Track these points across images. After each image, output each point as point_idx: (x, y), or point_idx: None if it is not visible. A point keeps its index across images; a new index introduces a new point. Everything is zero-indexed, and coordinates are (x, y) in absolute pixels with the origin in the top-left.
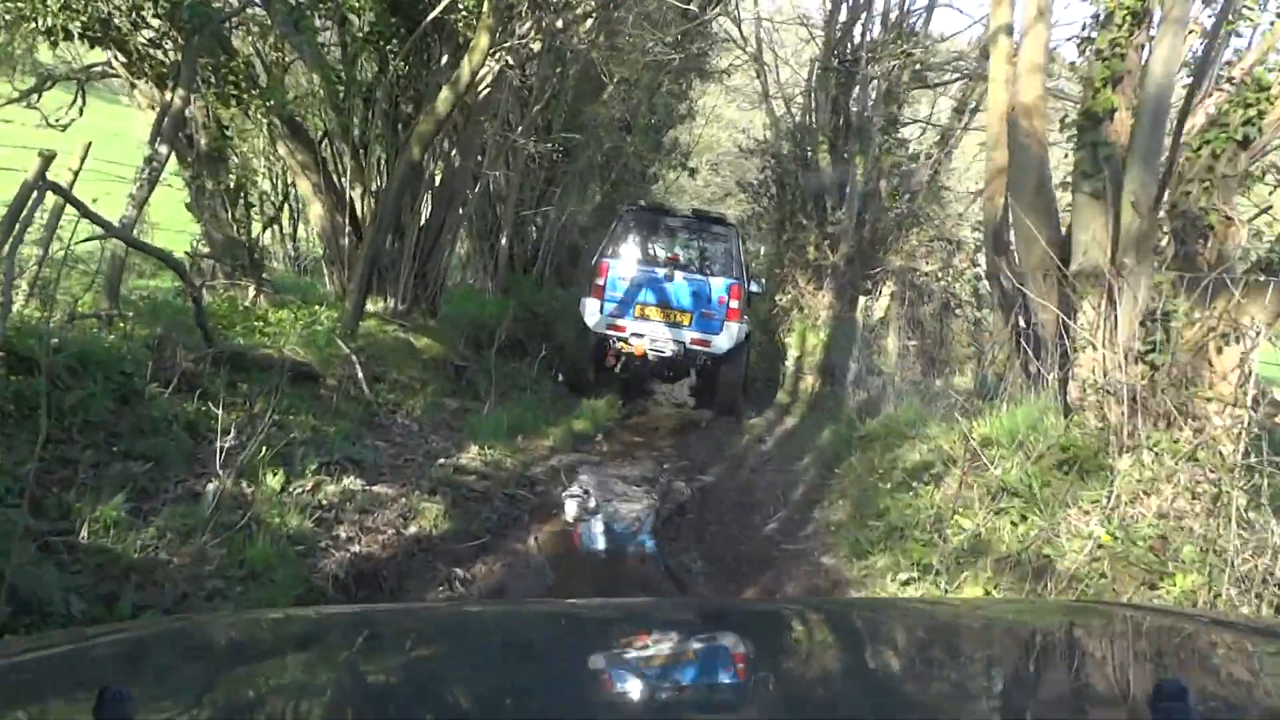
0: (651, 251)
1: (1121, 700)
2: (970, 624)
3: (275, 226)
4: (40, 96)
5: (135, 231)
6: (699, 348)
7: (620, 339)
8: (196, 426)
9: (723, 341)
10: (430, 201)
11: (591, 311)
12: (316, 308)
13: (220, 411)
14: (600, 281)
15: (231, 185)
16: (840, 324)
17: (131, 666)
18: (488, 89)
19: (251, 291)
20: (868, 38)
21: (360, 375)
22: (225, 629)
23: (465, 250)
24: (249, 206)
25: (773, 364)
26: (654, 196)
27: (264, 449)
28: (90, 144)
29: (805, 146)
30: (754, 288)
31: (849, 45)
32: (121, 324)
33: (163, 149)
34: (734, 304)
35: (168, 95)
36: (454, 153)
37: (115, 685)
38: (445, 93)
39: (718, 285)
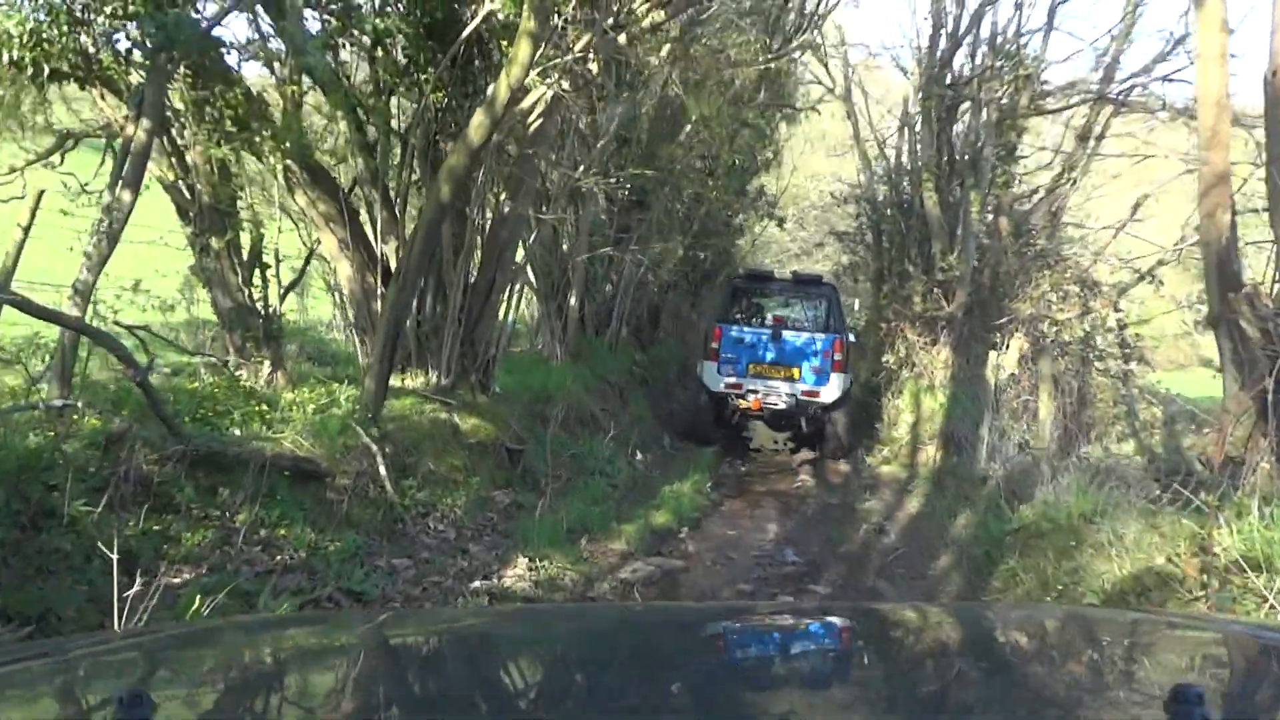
0: (759, 313)
1: (1138, 705)
2: (985, 627)
3: (303, 291)
4: (63, 158)
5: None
6: (809, 399)
7: (738, 395)
8: (135, 557)
9: (830, 392)
10: (480, 256)
11: (709, 372)
12: (336, 386)
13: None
14: (715, 345)
15: (241, 243)
16: (962, 384)
17: (151, 670)
18: (539, 119)
19: (266, 368)
20: (977, 59)
21: (382, 470)
22: (244, 632)
23: (532, 312)
24: (264, 267)
25: (876, 427)
26: (741, 250)
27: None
28: (43, 192)
29: (904, 189)
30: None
31: (949, 75)
32: (75, 417)
33: (125, 195)
34: (838, 356)
35: (129, 129)
36: (504, 197)
37: (135, 688)
38: (479, 117)
39: (822, 340)
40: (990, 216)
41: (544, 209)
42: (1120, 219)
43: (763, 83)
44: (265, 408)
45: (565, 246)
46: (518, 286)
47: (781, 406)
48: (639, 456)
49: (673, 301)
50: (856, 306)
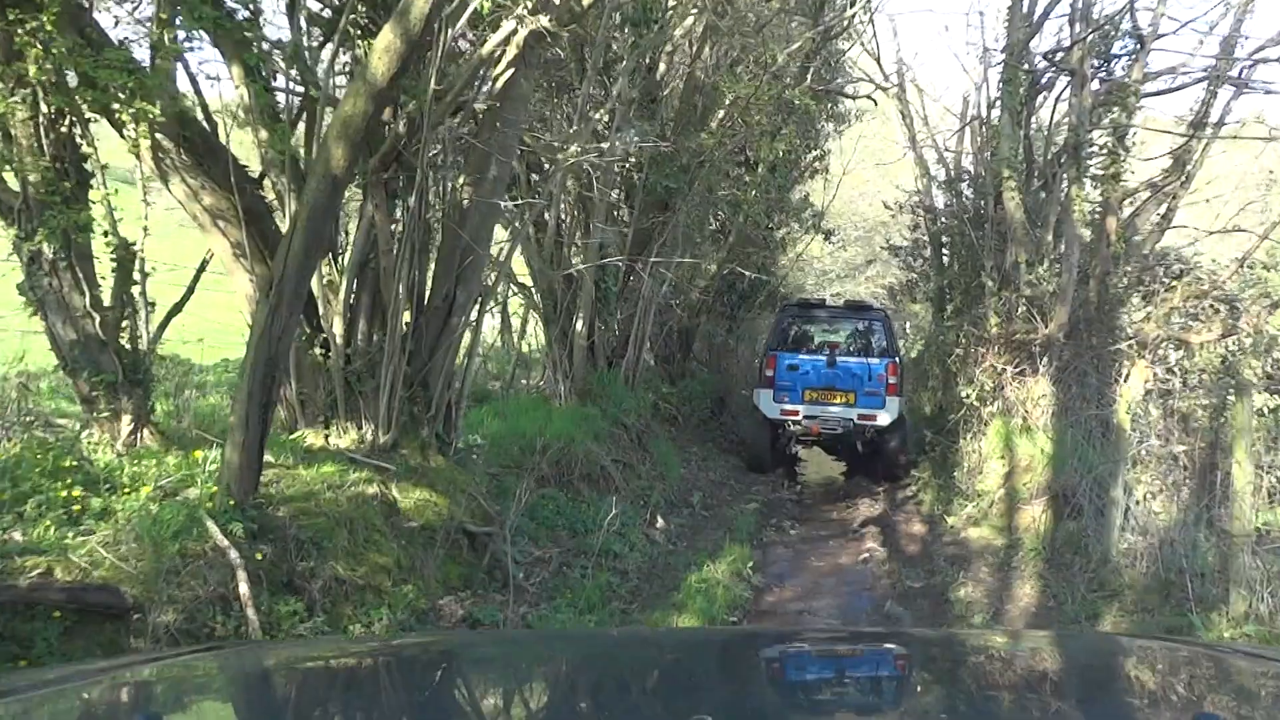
0: (812, 340)
1: None
2: (1008, 656)
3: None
4: None
5: None
6: (865, 422)
7: (794, 422)
8: None
9: (886, 415)
10: (436, 263)
11: (765, 400)
12: (207, 454)
13: None
14: (770, 373)
15: (93, 250)
16: (1071, 425)
17: (165, 694)
18: (510, 70)
19: (125, 427)
20: (1076, 27)
21: (244, 588)
22: (256, 658)
23: (538, 341)
24: (125, 283)
25: (954, 476)
26: (782, 269)
27: None
28: None
29: (967, 195)
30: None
31: (1037, 47)
32: None
33: None
34: (892, 380)
35: None
36: (463, 181)
37: (149, 712)
38: (386, 36)
39: (875, 365)
40: (1091, 218)
41: (521, 195)
42: (1234, 222)
43: (807, 70)
44: (81, 492)
45: (576, 258)
46: (513, 308)
47: (839, 431)
48: (660, 524)
49: (706, 327)
50: (909, 329)
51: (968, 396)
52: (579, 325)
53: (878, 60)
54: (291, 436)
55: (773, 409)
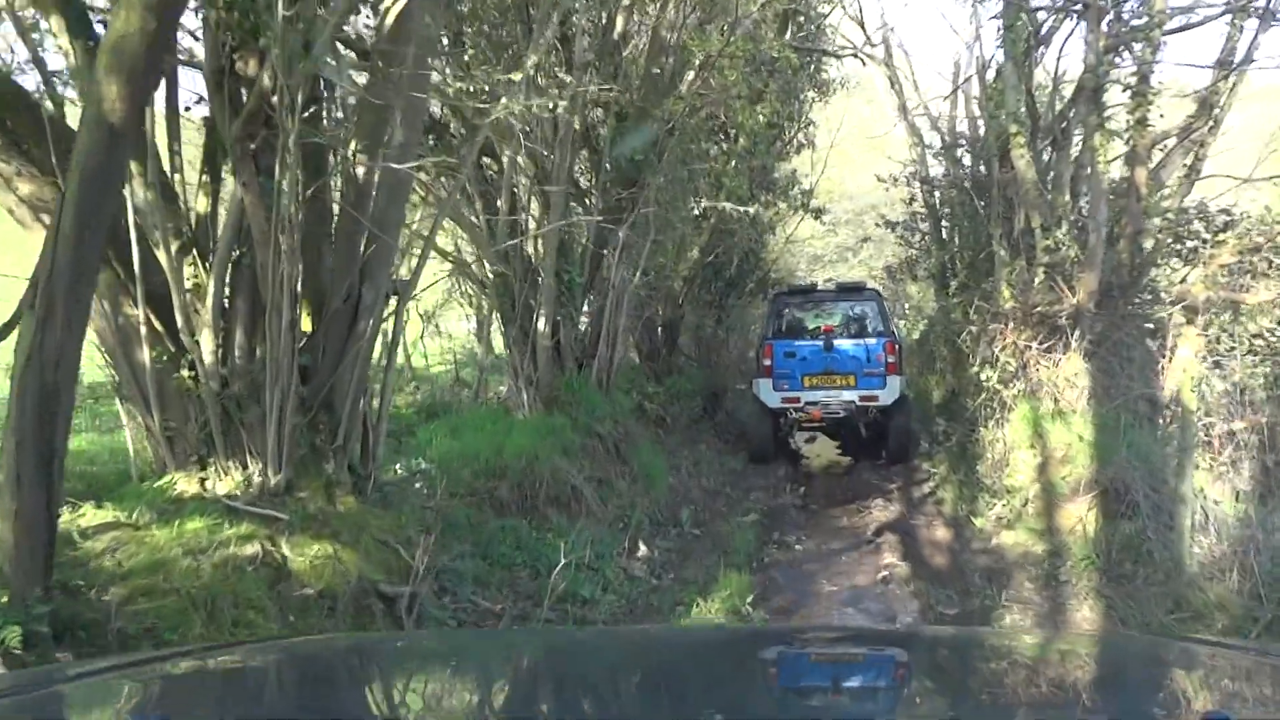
0: (807, 326)
1: None
2: (1015, 655)
3: None
4: None
5: None
6: (868, 403)
7: (797, 409)
8: None
9: (888, 394)
10: (334, 252)
11: (765, 390)
12: None
13: None
14: (768, 362)
15: None
16: (1110, 404)
17: (170, 692)
18: None
19: None
20: None
21: None
22: (262, 655)
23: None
24: None
25: (977, 470)
26: (770, 252)
27: None
28: None
29: (965, 161)
30: None
31: None
32: None
33: None
34: (890, 359)
35: None
36: (355, 152)
37: (154, 713)
38: None
39: (873, 345)
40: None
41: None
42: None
43: (785, 28)
44: None
45: (533, 245)
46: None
47: (842, 414)
48: (641, 551)
49: (692, 318)
50: (907, 310)
51: (988, 380)
52: (541, 324)
53: (861, 24)
54: (158, 483)
55: (773, 398)
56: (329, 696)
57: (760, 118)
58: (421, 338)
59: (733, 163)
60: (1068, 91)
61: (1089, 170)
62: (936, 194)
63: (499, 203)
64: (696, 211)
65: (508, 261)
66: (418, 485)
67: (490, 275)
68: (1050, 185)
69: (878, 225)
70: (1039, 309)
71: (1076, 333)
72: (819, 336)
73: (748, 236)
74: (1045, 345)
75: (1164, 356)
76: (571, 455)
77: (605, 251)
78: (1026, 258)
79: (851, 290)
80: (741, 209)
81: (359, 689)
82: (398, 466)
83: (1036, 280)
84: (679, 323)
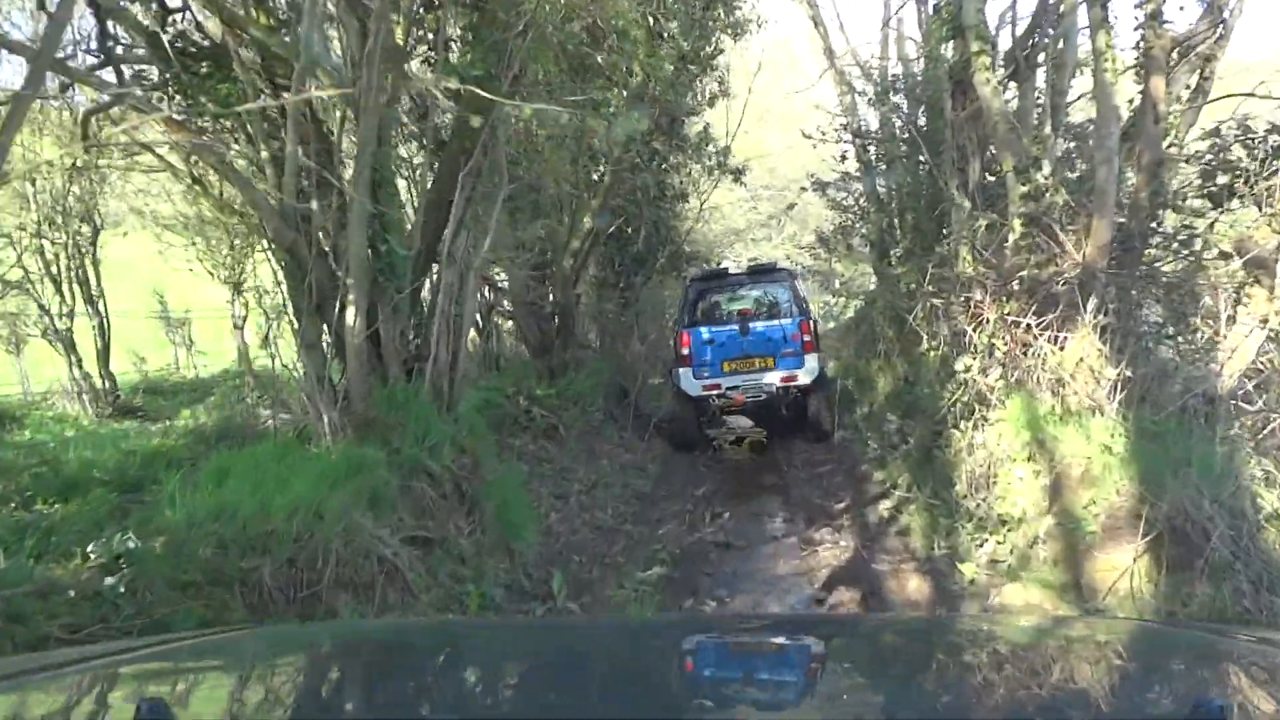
0: (722, 311)
1: (1160, 718)
2: (1006, 641)
3: None
4: None
5: None
6: (788, 384)
7: (719, 395)
8: None
9: (807, 374)
10: None
11: (686, 379)
12: None
13: None
14: (686, 351)
15: None
16: (1149, 405)
17: (169, 678)
18: None
19: None
20: None
21: None
22: (259, 642)
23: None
24: None
25: (953, 490)
26: (683, 222)
27: None
28: None
29: (902, 105)
30: None
31: None
32: None
33: None
34: (807, 338)
35: None
36: None
37: (152, 697)
38: None
39: (789, 325)
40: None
41: None
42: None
43: None
44: None
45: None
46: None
47: (763, 397)
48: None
49: (592, 302)
50: (838, 284)
51: (967, 369)
52: (351, 316)
53: None
54: None
55: (694, 386)
56: (311, 681)
57: (666, 65)
58: (269, 335)
59: (613, 106)
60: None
61: (1067, 98)
62: (871, 149)
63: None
64: (581, 163)
65: (300, 227)
66: (110, 582)
67: (272, 246)
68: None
69: (804, 190)
70: (1023, 273)
71: (1091, 301)
72: (735, 321)
73: (650, 202)
74: (1042, 321)
75: (1212, 327)
76: (383, 507)
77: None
78: (997, 211)
79: (764, 271)
80: (645, 162)
81: (348, 673)
82: (90, 549)
83: (1012, 238)
84: (573, 308)
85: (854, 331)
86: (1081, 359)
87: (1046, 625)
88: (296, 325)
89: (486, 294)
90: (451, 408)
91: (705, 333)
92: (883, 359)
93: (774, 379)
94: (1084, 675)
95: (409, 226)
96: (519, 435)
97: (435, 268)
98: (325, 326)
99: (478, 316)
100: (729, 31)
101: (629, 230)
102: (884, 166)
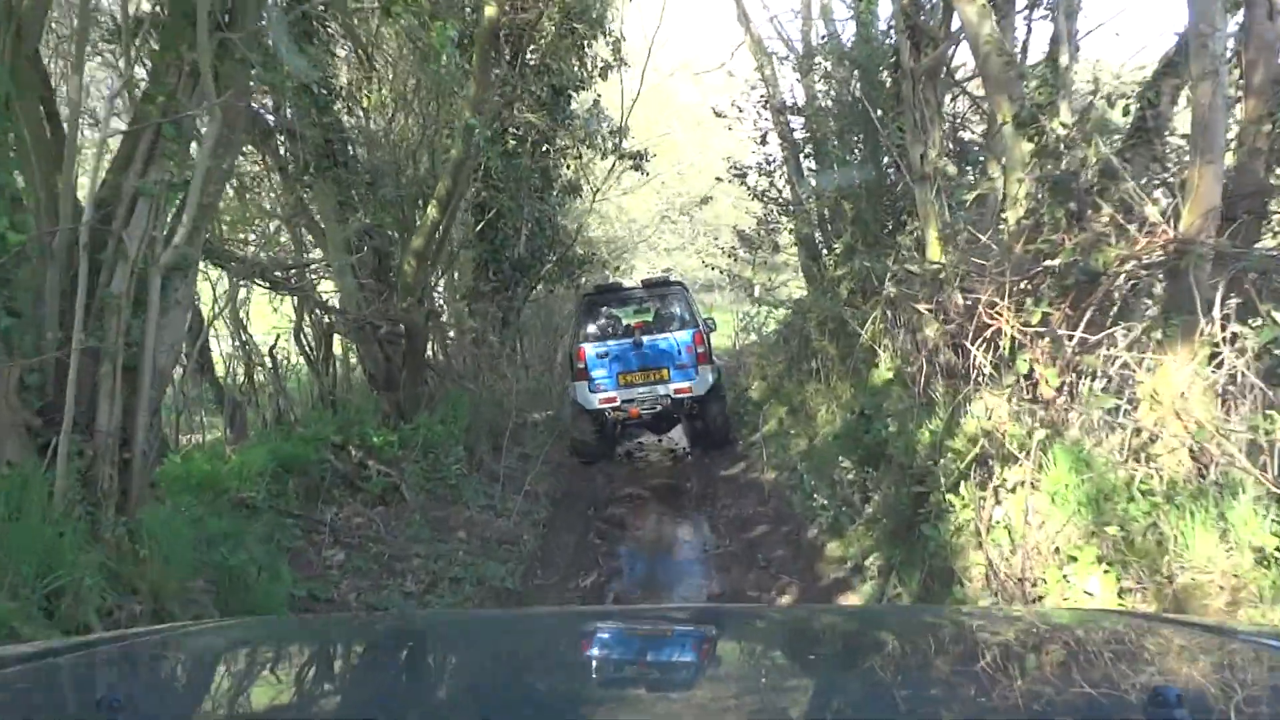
0: (617, 326)
1: (1116, 707)
2: (962, 632)
3: None
4: None
5: None
6: (683, 395)
7: (614, 408)
8: None
9: (701, 384)
10: None
11: (582, 392)
12: None
13: None
14: (581, 365)
15: None
16: None
17: (127, 675)
18: None
19: None
20: None
21: None
22: (219, 637)
23: None
24: None
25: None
26: (573, 219)
27: None
28: None
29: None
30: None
31: None
32: None
33: None
34: (700, 349)
35: None
36: None
37: (110, 693)
38: None
39: (682, 337)
40: None
41: None
42: None
43: None
44: None
45: None
46: None
47: (659, 409)
48: None
49: (462, 320)
50: (758, 292)
51: (956, 398)
52: None
53: None
54: None
55: (591, 400)
56: (271, 676)
57: None
58: None
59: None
60: None
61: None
62: (797, 129)
63: None
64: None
65: None
66: None
67: None
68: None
69: (719, 180)
70: (1051, 261)
71: (1200, 295)
72: (629, 334)
73: (537, 194)
74: (1090, 330)
75: None
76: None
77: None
78: (979, 180)
79: (657, 285)
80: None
81: (307, 667)
82: None
83: (1013, 215)
84: (423, 327)
85: (782, 347)
86: (1184, 393)
87: (997, 616)
88: None
89: (316, 313)
90: (126, 510)
91: (600, 347)
92: (821, 381)
93: (668, 391)
94: (1039, 665)
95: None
96: (347, 502)
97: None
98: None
99: (308, 342)
100: None
101: (508, 230)
102: (809, 150)
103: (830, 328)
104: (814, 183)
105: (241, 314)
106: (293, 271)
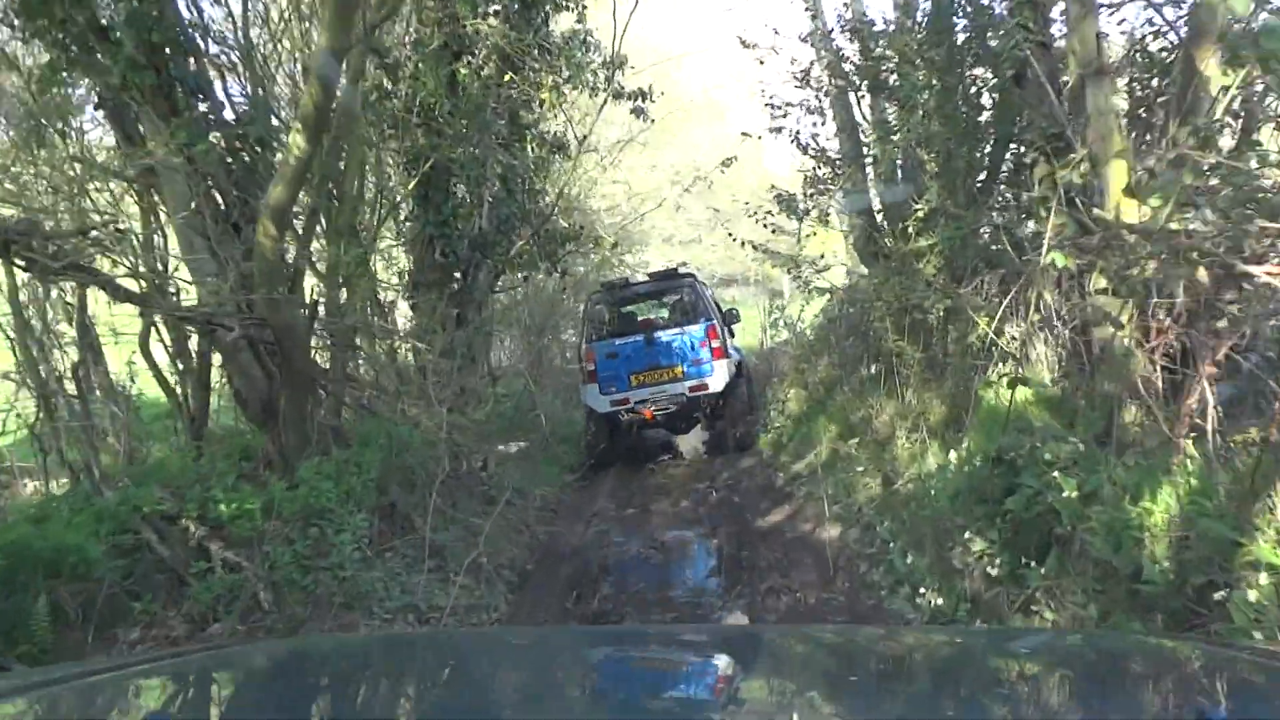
0: (626, 323)
1: None
2: (1001, 654)
3: None
4: None
5: None
6: (699, 393)
7: (628, 410)
8: None
9: (718, 380)
10: None
11: (593, 395)
12: None
13: None
14: (591, 366)
15: None
16: None
17: (172, 694)
18: None
19: None
20: None
21: None
22: (264, 656)
23: None
24: None
25: None
26: (555, 183)
27: None
28: None
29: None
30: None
31: None
32: None
33: None
34: (715, 343)
35: None
36: None
37: (156, 712)
38: None
39: (695, 331)
40: None
41: None
42: None
43: None
44: None
45: None
46: None
47: (674, 409)
48: None
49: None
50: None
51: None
52: None
53: None
54: None
55: (602, 403)
56: (316, 696)
57: None
58: None
59: None
60: None
61: None
62: (856, 56)
63: None
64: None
65: None
66: None
67: None
68: None
69: (746, 136)
70: None
71: None
72: (639, 331)
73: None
74: None
75: None
76: None
77: None
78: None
79: (667, 278)
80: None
81: (355, 688)
82: None
83: None
84: (298, 327)
85: (828, 349)
86: None
87: (1041, 639)
88: None
89: (174, 316)
90: None
91: (609, 346)
92: (894, 394)
93: (682, 389)
94: (1085, 688)
95: None
96: (157, 617)
97: None
98: None
99: (173, 360)
100: None
101: (462, 194)
102: (866, 94)
103: (909, 320)
104: (880, 124)
105: (32, 314)
106: (71, 241)
